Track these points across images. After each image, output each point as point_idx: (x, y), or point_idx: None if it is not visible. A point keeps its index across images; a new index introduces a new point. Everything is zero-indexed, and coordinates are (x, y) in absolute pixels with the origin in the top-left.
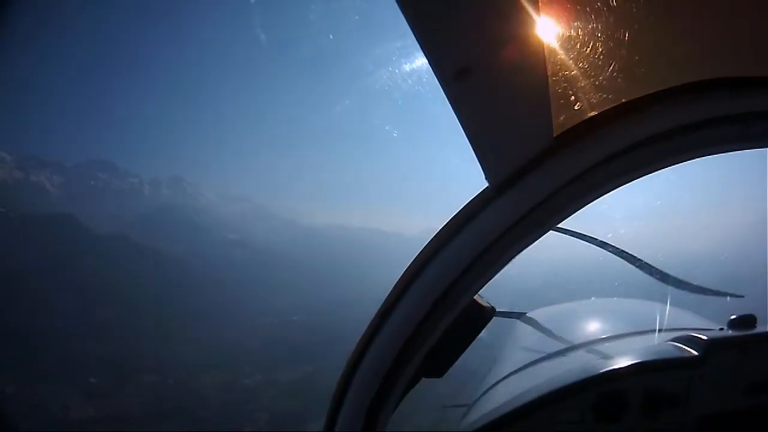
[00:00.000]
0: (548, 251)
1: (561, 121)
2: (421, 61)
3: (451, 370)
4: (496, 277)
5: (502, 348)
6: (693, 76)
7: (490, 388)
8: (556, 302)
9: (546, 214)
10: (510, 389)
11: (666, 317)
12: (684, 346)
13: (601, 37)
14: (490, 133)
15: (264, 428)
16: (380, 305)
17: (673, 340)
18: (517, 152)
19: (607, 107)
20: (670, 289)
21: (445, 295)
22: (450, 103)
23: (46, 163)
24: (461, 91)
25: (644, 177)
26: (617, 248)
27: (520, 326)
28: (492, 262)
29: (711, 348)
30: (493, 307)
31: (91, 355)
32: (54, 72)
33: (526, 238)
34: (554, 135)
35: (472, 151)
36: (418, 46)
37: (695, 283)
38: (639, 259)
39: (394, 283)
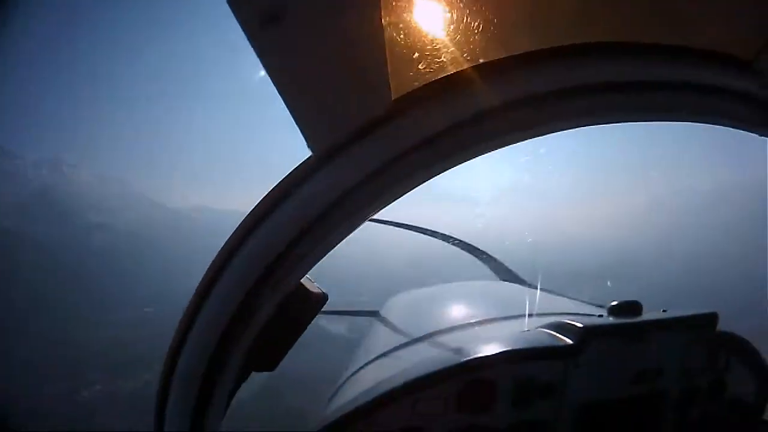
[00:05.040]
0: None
1: (399, 83)
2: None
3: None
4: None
5: (365, 335)
6: (564, 40)
7: (351, 376)
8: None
9: (381, 186)
10: (371, 377)
11: (540, 302)
12: (557, 334)
13: None
14: (312, 95)
15: None
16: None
17: (546, 326)
18: (348, 118)
19: (460, 69)
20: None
21: (267, 275)
22: (258, 55)
23: None
24: (270, 40)
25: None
26: (442, 234)
27: (382, 311)
28: (321, 239)
29: (587, 336)
30: (324, 292)
31: None
32: None
33: (360, 213)
34: (393, 99)
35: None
36: None
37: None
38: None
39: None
